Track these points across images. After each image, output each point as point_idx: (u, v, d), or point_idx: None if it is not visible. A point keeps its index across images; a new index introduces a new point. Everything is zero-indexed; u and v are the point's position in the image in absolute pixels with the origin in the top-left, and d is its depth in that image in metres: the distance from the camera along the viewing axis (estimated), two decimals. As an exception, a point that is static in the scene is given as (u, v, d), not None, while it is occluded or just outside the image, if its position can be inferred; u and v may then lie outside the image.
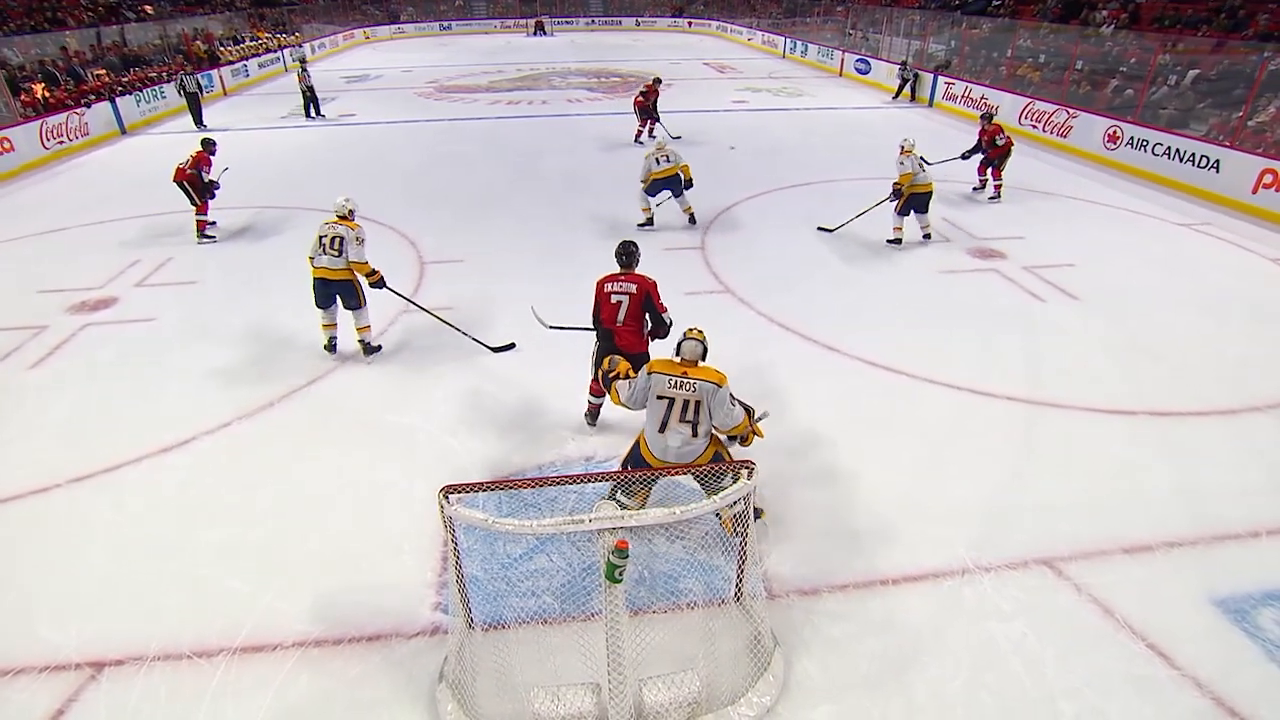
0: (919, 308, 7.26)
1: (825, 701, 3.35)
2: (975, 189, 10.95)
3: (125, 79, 17.47)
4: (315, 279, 6.17)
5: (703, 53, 29.25)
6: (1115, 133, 12.44)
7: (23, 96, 14.43)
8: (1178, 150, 11.27)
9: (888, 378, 6.02)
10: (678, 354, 3.99)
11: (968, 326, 6.88)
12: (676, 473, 3.64)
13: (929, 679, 3.46)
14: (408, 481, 4.81)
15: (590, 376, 5.22)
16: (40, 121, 13.55)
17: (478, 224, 9.86)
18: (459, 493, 3.05)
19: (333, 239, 6.08)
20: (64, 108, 14.51)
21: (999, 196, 10.51)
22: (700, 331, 4.06)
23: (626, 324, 4.85)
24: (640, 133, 14.21)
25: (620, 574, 2.80)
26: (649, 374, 3.94)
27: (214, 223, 9.61)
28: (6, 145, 12.69)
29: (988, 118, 10.54)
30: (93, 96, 15.63)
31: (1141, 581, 4.00)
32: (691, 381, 3.85)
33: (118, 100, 15.82)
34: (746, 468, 3.17)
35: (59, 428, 5.55)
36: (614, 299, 4.85)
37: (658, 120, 13.98)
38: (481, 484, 3.22)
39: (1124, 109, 13.31)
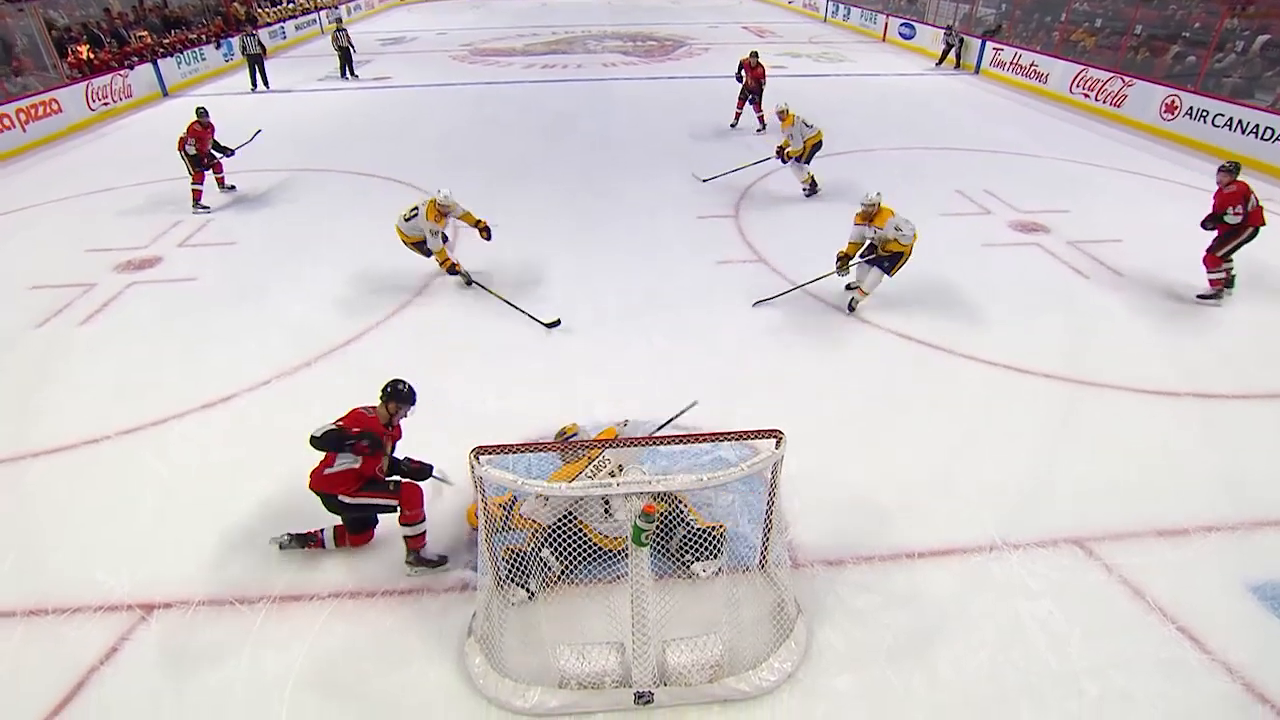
0: (956, 281, 7.11)
1: (847, 670, 3.39)
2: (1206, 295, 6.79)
3: (166, 41, 17.65)
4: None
5: (742, 16, 28.49)
6: (1173, 102, 11.90)
7: (69, 58, 14.68)
8: (1241, 122, 10.74)
9: (922, 352, 5.94)
10: (567, 458, 3.87)
11: (1006, 302, 6.72)
12: (708, 439, 3.63)
13: (952, 653, 3.47)
14: (441, 441, 4.89)
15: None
16: (86, 83, 13.81)
17: (510, 188, 9.85)
18: (489, 454, 3.11)
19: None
20: (108, 69, 14.73)
21: (1218, 296, 6.74)
22: (571, 425, 4.10)
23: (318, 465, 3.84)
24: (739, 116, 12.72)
25: (647, 538, 2.84)
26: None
27: (222, 193, 9.79)
28: (55, 107, 12.97)
29: (1230, 170, 6.47)
30: (135, 58, 15.84)
31: (1175, 565, 3.93)
32: (602, 457, 3.77)
33: (159, 62, 16.01)
34: (776, 436, 3.17)
35: (108, 382, 5.75)
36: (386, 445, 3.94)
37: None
38: (511, 446, 3.27)
39: (1184, 77, 12.69)
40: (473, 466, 3.04)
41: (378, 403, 3.85)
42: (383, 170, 10.55)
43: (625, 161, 10.94)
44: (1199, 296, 6.76)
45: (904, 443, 4.89)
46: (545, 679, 3.21)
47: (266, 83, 16.41)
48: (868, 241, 6.27)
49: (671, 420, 4.46)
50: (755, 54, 12.20)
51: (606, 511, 3.68)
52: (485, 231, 6.94)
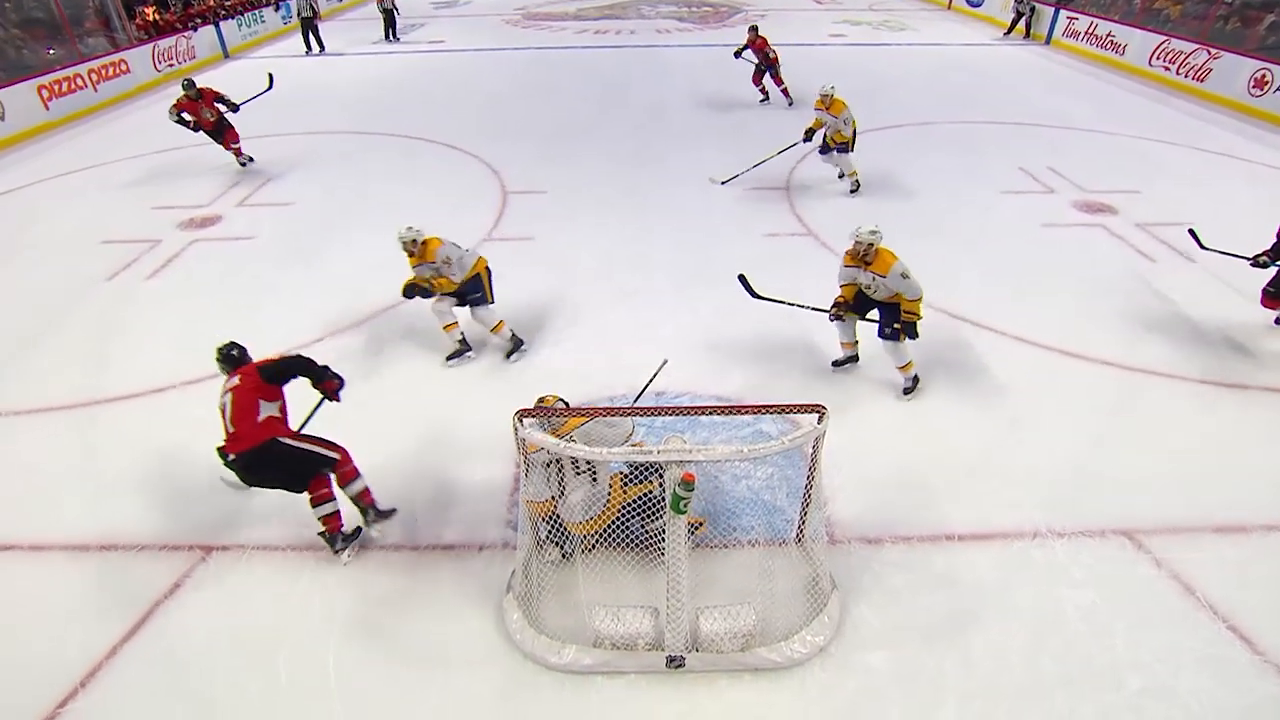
0: (1014, 261, 6.87)
1: (880, 648, 3.39)
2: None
3: (228, 3, 17.97)
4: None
5: (800, -19, 27.59)
6: (1264, 76, 11.15)
7: (136, 20, 15.09)
8: (1337, 99, 10.04)
9: (972, 333, 5.78)
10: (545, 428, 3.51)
11: (1065, 284, 6.48)
12: (750, 411, 3.60)
13: (989, 637, 3.43)
14: (487, 401, 5.00)
15: None
16: (152, 45, 14.19)
17: (561, 155, 9.83)
18: (533, 416, 3.16)
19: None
20: (173, 30, 15.11)
21: None
22: (550, 396, 3.71)
23: (234, 418, 3.64)
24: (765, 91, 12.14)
25: (685, 506, 2.86)
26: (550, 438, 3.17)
27: (247, 153, 9.64)
28: (124, 67, 13.38)
29: None
30: (198, 20, 16.20)
31: (1231, 562, 3.80)
32: (571, 438, 3.37)
33: (221, 24, 16.34)
34: (819, 411, 3.14)
35: (171, 334, 6.00)
36: (218, 404, 3.76)
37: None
38: (555, 409, 3.32)
39: (1277, 49, 11.88)
40: (516, 428, 3.09)
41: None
42: (434, 135, 10.64)
43: (676, 130, 10.80)
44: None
45: (949, 423, 4.81)
46: (580, 638, 3.29)
47: (321, 45, 16.60)
48: (862, 287, 4.98)
49: (647, 385, 4.32)
50: (754, 28, 11.68)
51: (562, 492, 3.46)
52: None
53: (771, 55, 11.59)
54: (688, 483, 2.80)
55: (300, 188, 8.95)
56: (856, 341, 5.30)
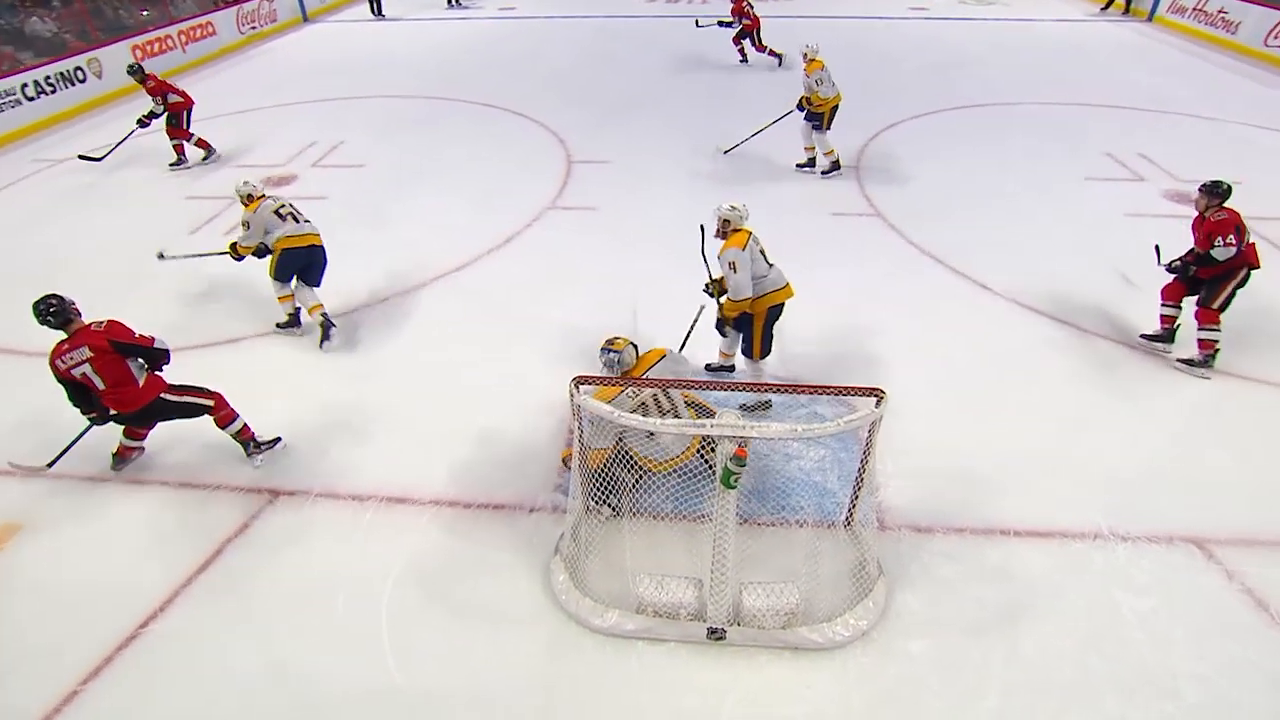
0: (1092, 251, 6.54)
1: (924, 636, 3.35)
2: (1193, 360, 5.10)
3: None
4: (294, 249, 5.40)
5: (882, -49, 26.48)
6: (1389, 62, 10.23)
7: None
8: None
9: (1042, 324, 5.56)
10: (617, 369, 3.67)
11: (1149, 278, 6.13)
12: (806, 391, 3.57)
13: (1038, 634, 3.35)
14: (543, 367, 5.08)
15: None
16: (236, 8, 14.64)
17: (627, 126, 9.78)
18: (589, 384, 3.20)
19: (290, 204, 5.53)
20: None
21: (1207, 363, 5.04)
22: (621, 339, 3.72)
23: (111, 384, 3.86)
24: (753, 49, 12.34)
25: (735, 481, 2.87)
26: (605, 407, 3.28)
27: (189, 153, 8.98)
28: (210, 29, 13.87)
29: (1212, 192, 5.18)
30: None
31: (1313, 580, 3.59)
32: (646, 375, 3.61)
33: (304, -12, 16.73)
34: (877, 394, 3.09)
35: (248, 289, 6.27)
36: (78, 373, 3.82)
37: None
38: (611, 378, 3.35)
39: None
40: (571, 395, 3.14)
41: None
42: (503, 101, 10.71)
43: (745, 103, 10.58)
44: (1182, 365, 5.05)
45: (1012, 415, 4.66)
46: (624, 603, 3.35)
47: (380, 11, 16.79)
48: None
49: (690, 332, 4.35)
50: None
51: (650, 435, 3.53)
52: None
53: (750, 19, 11.84)
54: (740, 458, 2.80)
55: (372, 151, 9.16)
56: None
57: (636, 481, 3.80)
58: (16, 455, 4.45)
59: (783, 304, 4.51)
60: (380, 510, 4.07)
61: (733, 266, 4.24)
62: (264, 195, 5.55)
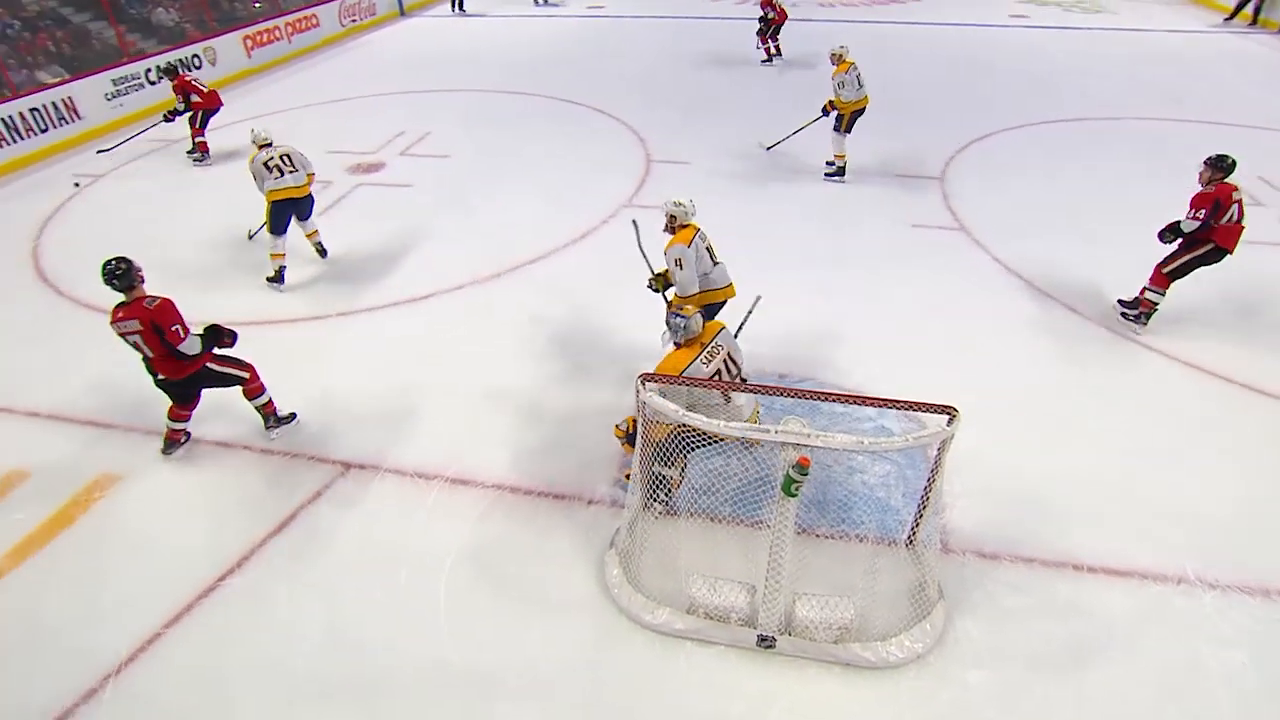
0: (1196, 279, 6.13)
1: (983, 666, 3.23)
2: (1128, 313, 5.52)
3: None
4: (282, 201, 5.99)
5: (984, -45, 25.53)
6: None
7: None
8: None
9: (1134, 351, 5.26)
10: (683, 336, 3.58)
11: (1248, 307, 5.73)
12: (875, 404, 3.48)
13: (1109, 677, 3.18)
14: (609, 362, 5.13)
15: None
16: (339, 2, 15.33)
17: (709, 127, 9.74)
18: (656, 381, 3.22)
19: (283, 156, 6.03)
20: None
21: (1140, 320, 5.44)
22: (688, 306, 3.66)
23: (158, 356, 4.03)
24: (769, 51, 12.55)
25: (797, 489, 2.83)
26: (673, 376, 3.43)
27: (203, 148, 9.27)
28: (314, 21, 14.56)
29: (1216, 165, 5.15)
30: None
31: None
32: (714, 344, 3.61)
33: (405, -17, 17.37)
34: (949, 412, 2.99)
35: (332, 268, 6.57)
36: (128, 341, 3.98)
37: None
38: (678, 378, 3.36)
39: None
40: (638, 391, 3.16)
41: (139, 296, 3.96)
42: (587, 99, 10.84)
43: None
44: (1121, 307, 5.52)
45: (1094, 444, 4.42)
46: (675, 602, 3.36)
47: (461, 7, 17.33)
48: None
49: (743, 323, 4.36)
50: None
51: (727, 400, 3.54)
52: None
53: (775, 14, 12.10)
54: (802, 467, 2.76)
55: (458, 142, 9.44)
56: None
57: (684, 471, 3.82)
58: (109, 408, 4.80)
59: (722, 303, 4.57)
60: (444, 490, 4.20)
61: (679, 263, 4.26)
62: (266, 144, 6.12)
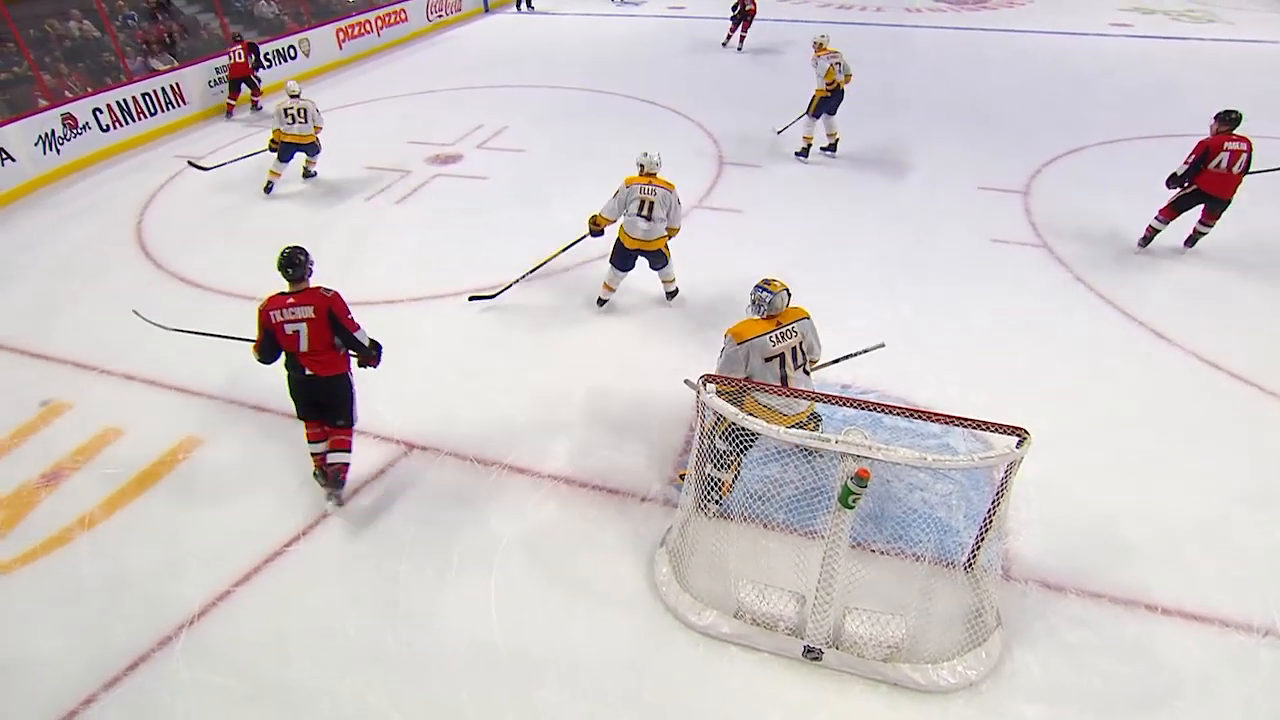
0: (1297, 310, 5.74)
1: (1040, 701, 3.10)
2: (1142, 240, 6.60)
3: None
4: (291, 144, 7.87)
5: (1085, -39, 24.37)
6: None
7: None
8: None
9: (1227, 383, 4.95)
10: (765, 310, 3.62)
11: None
12: (941, 420, 3.38)
13: (1179, 726, 3.01)
14: (672, 362, 5.14)
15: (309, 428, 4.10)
16: (428, -3, 15.86)
17: (784, 132, 9.63)
18: (718, 383, 3.21)
19: (300, 110, 7.68)
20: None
21: (1143, 243, 6.54)
22: (777, 281, 3.67)
23: (314, 349, 3.81)
24: (730, 38, 13.83)
25: (854, 501, 2.78)
26: (740, 343, 3.58)
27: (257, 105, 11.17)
28: (403, 16, 15.07)
29: (1224, 119, 6.08)
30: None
31: None
32: (790, 327, 3.65)
33: (487, -20, 17.82)
34: (1019, 434, 2.88)
35: (408, 255, 6.79)
36: (289, 329, 3.76)
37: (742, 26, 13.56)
38: (739, 381, 3.34)
39: None
40: (699, 391, 3.16)
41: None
42: (662, 99, 10.88)
43: (906, 116, 10.15)
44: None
45: (1179, 481, 4.18)
46: (723, 605, 3.34)
47: (530, 4, 17.73)
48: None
49: (850, 356, 4.31)
50: None
51: (784, 377, 3.62)
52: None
53: (750, 6, 13.26)
54: (862, 479, 2.71)
55: (534, 137, 9.61)
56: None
57: (737, 476, 3.82)
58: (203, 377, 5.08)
59: (637, 251, 5.55)
60: (502, 477, 4.29)
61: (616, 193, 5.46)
62: (295, 95, 7.78)
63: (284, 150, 7.89)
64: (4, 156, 8.27)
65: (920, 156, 8.69)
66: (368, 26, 14.11)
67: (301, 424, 4.08)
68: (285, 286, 3.81)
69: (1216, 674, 3.21)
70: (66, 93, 9.50)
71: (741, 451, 3.67)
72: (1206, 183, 5.37)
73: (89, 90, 9.64)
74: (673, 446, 4.46)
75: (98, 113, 9.37)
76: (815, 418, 3.90)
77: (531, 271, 6.08)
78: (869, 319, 5.63)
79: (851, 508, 2.81)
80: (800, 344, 3.70)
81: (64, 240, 7.37)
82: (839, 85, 8.25)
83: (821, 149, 8.70)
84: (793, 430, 2.90)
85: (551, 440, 4.53)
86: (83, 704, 3.19)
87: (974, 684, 3.12)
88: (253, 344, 3.90)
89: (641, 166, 5.41)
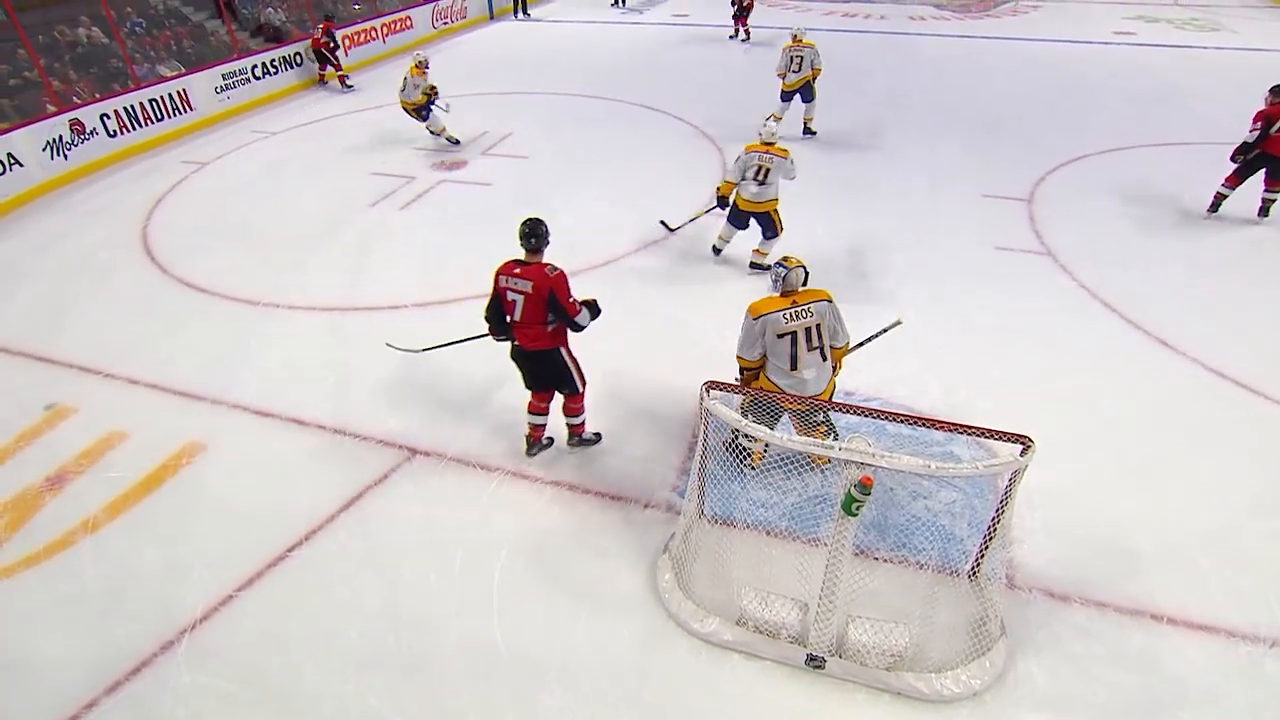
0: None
1: (1044, 711, 3.08)
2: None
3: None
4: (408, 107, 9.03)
5: (1090, -30, 24.39)
6: None
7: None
8: None
9: (1230, 390, 4.93)
10: (780, 286, 3.79)
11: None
12: (945, 428, 3.37)
13: (1185, 737, 2.98)
14: (676, 368, 5.14)
15: (528, 389, 4.35)
16: (433, 4, 15.91)
17: (786, 138, 9.63)
18: (720, 390, 3.21)
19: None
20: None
21: (1213, 208, 7.29)
22: (794, 258, 3.84)
23: (525, 321, 3.97)
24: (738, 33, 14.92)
25: (858, 509, 2.77)
26: (756, 318, 3.74)
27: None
28: (408, 23, 15.16)
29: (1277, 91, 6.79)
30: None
31: None
32: (806, 306, 3.73)
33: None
34: (1024, 442, 2.88)
35: (412, 260, 6.81)
36: (510, 296, 3.94)
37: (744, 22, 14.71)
38: (742, 388, 3.34)
39: None
40: (702, 398, 3.16)
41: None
42: (666, 106, 10.92)
43: (910, 123, 10.16)
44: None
45: (1185, 489, 4.16)
46: (725, 612, 3.33)
47: (526, 10, 17.93)
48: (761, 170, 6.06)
49: (872, 337, 4.36)
50: None
51: (794, 366, 3.72)
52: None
53: (748, 2, 14.63)
54: (865, 486, 2.70)
55: (538, 143, 9.64)
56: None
57: (767, 446, 3.84)
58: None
59: (750, 213, 6.23)
60: (505, 482, 4.29)
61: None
62: (423, 64, 9.10)
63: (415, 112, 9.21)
64: (12, 161, 8.32)
65: (924, 163, 8.69)
66: (373, 33, 14.19)
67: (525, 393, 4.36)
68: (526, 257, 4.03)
69: (1223, 685, 3.18)
70: (75, 98, 9.57)
71: (771, 422, 3.79)
72: (1271, 145, 6.25)
73: (97, 96, 9.70)
74: (677, 453, 4.45)
75: (105, 118, 9.43)
76: (831, 427, 3.95)
77: (675, 229, 7.03)
78: (878, 324, 5.60)
79: (855, 515, 2.80)
80: (817, 326, 3.75)
81: (70, 244, 7.41)
82: (792, 87, 9.29)
83: (802, 133, 9.62)
84: (797, 439, 2.89)
85: (554, 447, 4.53)
86: (84, 708, 3.19)
87: (978, 694, 3.11)
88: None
89: (760, 135, 6.03)
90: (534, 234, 3.93)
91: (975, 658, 3.17)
